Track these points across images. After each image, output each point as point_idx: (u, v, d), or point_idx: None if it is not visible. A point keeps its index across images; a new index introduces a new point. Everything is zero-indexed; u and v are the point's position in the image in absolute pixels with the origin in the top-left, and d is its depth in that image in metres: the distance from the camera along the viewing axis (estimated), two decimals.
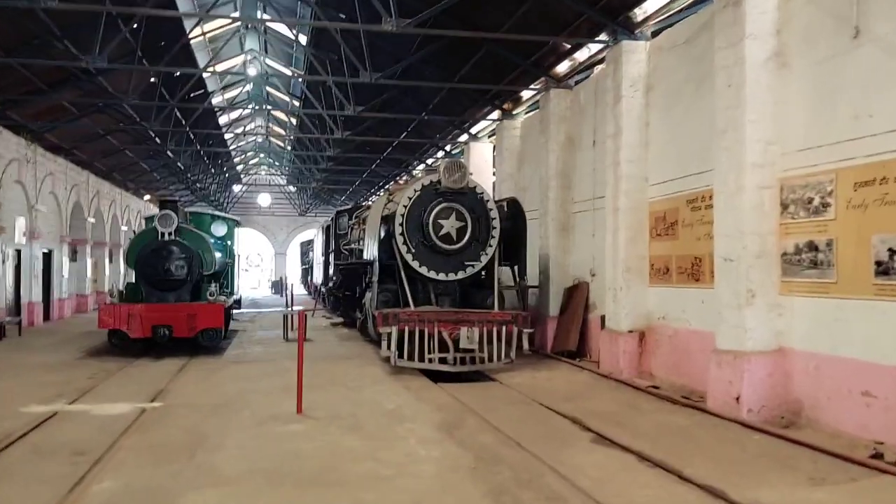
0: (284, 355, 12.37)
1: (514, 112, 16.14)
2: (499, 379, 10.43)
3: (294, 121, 28.55)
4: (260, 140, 37.44)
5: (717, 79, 8.09)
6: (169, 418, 7.76)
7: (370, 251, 12.47)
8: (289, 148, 33.43)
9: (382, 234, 11.74)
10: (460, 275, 11.51)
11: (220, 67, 23.32)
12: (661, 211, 9.98)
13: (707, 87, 8.91)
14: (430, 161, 24.08)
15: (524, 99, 15.74)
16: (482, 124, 18.88)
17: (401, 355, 10.41)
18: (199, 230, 15.43)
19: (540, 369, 11.16)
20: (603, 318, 10.92)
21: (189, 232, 14.23)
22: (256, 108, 27.90)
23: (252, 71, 23.98)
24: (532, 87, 14.20)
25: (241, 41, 22.60)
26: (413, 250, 11.32)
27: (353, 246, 16.96)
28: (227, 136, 31.26)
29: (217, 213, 18.72)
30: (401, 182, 20.14)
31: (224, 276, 17.01)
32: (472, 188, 11.62)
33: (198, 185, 35.83)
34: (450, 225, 11.33)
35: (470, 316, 10.73)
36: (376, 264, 11.62)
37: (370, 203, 19.06)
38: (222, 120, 29.34)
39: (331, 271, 21.42)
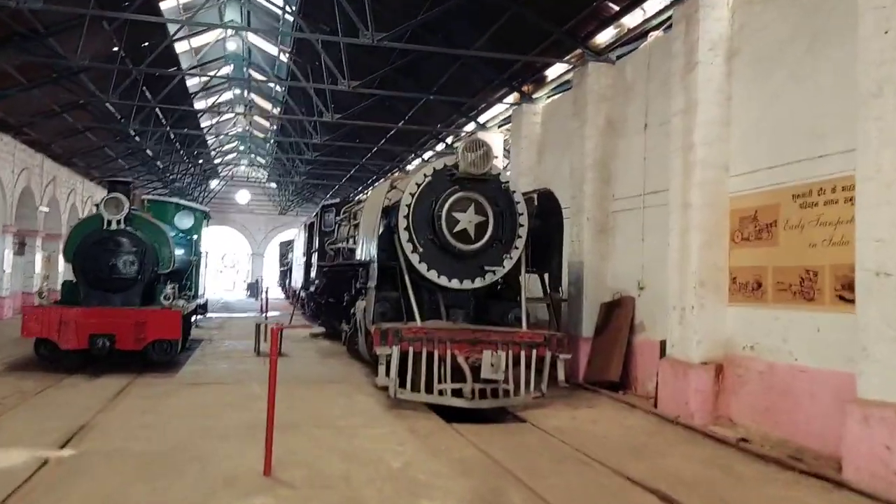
0: (254, 376, 10.01)
1: (535, 95, 13.86)
2: (529, 419, 8.09)
3: (277, 110, 26.08)
4: (240, 129, 34.86)
5: (863, 24, 5.87)
6: (76, 480, 5.31)
7: (365, 250, 10.06)
8: (271, 141, 30.85)
9: (382, 229, 9.38)
10: (478, 282, 9.24)
11: (195, 41, 20.86)
12: (749, 209, 7.71)
13: (826, 44, 6.77)
14: (426, 156, 21.73)
15: (548, 80, 13.46)
16: (492, 112, 16.57)
17: (402, 383, 8.09)
18: (160, 220, 12.92)
19: (578, 406, 8.82)
20: (663, 344, 8.61)
21: (143, 221, 11.70)
22: (236, 91, 25.35)
23: (231, 45, 21.47)
24: (565, 60, 11.88)
25: (221, 11, 20.11)
26: (420, 250, 9.04)
27: (340, 245, 14.52)
28: (203, 124, 28.64)
29: (182, 201, 16.07)
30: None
31: (187, 276, 14.49)
32: (496, 175, 9.37)
33: (170, 176, 33.11)
34: (467, 219, 9.05)
35: (492, 336, 8.41)
36: (373, 266, 9.22)
37: (362, 196, 16.66)
38: (199, 106, 26.75)
39: (312, 274, 18.99)
